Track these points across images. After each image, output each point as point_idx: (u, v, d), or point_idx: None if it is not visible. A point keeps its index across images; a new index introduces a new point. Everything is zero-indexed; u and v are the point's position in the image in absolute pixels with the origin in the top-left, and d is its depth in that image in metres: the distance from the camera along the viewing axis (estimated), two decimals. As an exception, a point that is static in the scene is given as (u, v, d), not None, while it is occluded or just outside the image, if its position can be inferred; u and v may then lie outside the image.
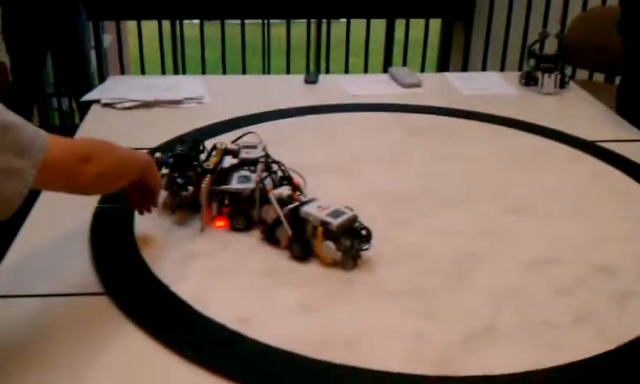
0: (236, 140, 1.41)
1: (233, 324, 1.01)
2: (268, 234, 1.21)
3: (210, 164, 1.27)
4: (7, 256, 1.19)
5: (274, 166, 1.33)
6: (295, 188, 1.28)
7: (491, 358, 0.96)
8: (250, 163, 1.32)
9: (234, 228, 1.26)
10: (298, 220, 1.17)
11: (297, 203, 1.19)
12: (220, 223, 1.27)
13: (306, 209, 1.17)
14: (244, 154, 1.33)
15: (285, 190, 1.22)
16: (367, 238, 1.15)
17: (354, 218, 1.16)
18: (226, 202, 1.26)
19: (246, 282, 1.12)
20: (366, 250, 1.16)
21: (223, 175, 1.29)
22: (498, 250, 1.24)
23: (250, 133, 1.46)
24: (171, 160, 1.31)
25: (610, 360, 0.97)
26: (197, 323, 1.02)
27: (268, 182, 1.27)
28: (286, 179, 1.30)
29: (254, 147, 1.37)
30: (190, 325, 1.02)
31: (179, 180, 1.28)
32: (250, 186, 1.25)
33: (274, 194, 1.20)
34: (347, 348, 0.97)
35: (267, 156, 1.34)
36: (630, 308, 1.08)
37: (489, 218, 1.35)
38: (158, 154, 1.33)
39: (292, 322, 1.03)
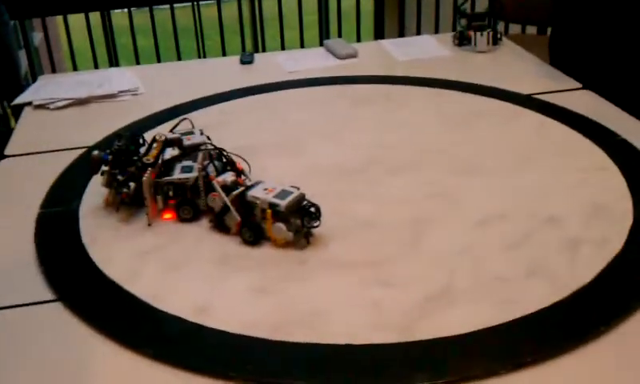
0: (172, 129, 1.39)
1: (190, 316, 1.00)
2: (217, 222, 1.20)
3: (150, 157, 1.25)
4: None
5: (216, 153, 1.31)
6: (239, 172, 1.27)
7: (449, 319, 0.97)
8: (192, 151, 1.30)
9: (182, 219, 1.24)
10: (245, 205, 1.16)
11: (242, 188, 1.18)
12: (167, 215, 1.26)
13: (252, 193, 1.16)
14: (186, 142, 1.31)
15: (229, 176, 1.21)
16: (317, 214, 1.15)
17: (302, 197, 1.16)
18: (171, 193, 1.25)
19: (199, 272, 1.11)
20: (317, 226, 1.16)
21: (167, 167, 1.27)
22: (448, 213, 1.25)
23: (183, 119, 1.44)
24: (110, 157, 1.28)
25: (563, 308, 0.99)
26: (154, 319, 1.01)
27: (211, 169, 1.25)
28: (229, 165, 1.29)
29: (192, 133, 1.35)
30: (148, 322, 1.00)
31: (120, 177, 1.26)
32: (193, 174, 1.23)
33: (218, 181, 1.19)
34: (306, 326, 0.97)
35: (208, 141, 1.32)
36: (580, 256, 1.10)
37: (436, 181, 1.37)
38: (95, 152, 1.30)
39: (249, 306, 1.02)
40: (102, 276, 1.10)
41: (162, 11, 3.98)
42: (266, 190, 1.16)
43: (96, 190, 1.33)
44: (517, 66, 2.02)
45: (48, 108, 1.85)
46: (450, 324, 0.96)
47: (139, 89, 1.94)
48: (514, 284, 1.05)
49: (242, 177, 1.27)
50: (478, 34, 2.09)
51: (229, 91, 1.88)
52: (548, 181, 1.35)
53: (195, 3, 3.99)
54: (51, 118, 1.81)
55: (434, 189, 1.34)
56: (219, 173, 1.24)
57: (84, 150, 1.55)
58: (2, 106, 3.56)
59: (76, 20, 3.86)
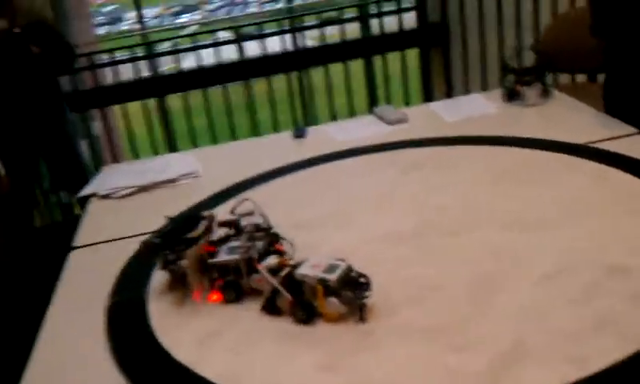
0: (232, 210, 1.42)
1: (260, 396, 1.01)
2: (268, 306, 1.20)
3: (195, 234, 1.28)
4: (30, 364, 1.19)
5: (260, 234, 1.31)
6: (280, 253, 1.26)
7: (522, 379, 0.96)
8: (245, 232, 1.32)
9: (227, 300, 1.25)
10: (294, 284, 1.16)
11: (289, 268, 1.18)
12: (214, 297, 1.27)
13: (300, 271, 1.16)
14: (243, 223, 1.34)
15: (272, 259, 1.21)
16: (367, 285, 1.15)
17: (349, 269, 1.16)
18: (216, 274, 1.27)
19: (264, 353, 1.12)
20: (368, 296, 1.15)
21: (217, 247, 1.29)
22: (510, 271, 1.24)
23: (244, 200, 1.47)
24: (159, 240, 1.31)
25: (634, 361, 0.96)
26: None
27: (253, 251, 1.25)
28: (270, 245, 1.28)
29: (252, 214, 1.38)
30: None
31: (170, 256, 1.29)
32: (234, 256, 1.24)
33: (263, 266, 1.20)
34: (377, 400, 0.97)
35: (261, 223, 1.34)
36: (649, 306, 1.07)
37: (494, 240, 1.36)
38: (145, 239, 1.33)
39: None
40: (172, 361, 1.12)
41: (214, 91, 4.12)
42: (313, 266, 1.16)
43: (161, 274, 1.37)
44: (569, 117, 2.00)
45: (112, 197, 1.92)
46: (523, 386, 0.94)
47: (198, 171, 2.00)
48: (584, 339, 1.03)
49: (287, 257, 1.26)
50: (527, 88, 2.09)
51: (283, 166, 1.92)
52: (609, 230, 1.33)
53: (246, 83, 4.11)
54: (116, 207, 1.88)
55: (493, 247, 1.33)
56: (262, 255, 1.24)
57: (149, 235, 1.60)
58: (68, 196, 3.72)
59: (132, 106, 4.03)
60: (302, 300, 1.16)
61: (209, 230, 1.31)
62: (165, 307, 1.29)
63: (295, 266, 1.18)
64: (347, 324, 1.14)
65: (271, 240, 1.30)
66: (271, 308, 1.19)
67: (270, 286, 1.18)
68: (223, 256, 1.26)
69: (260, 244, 1.28)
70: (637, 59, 1.94)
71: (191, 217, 1.37)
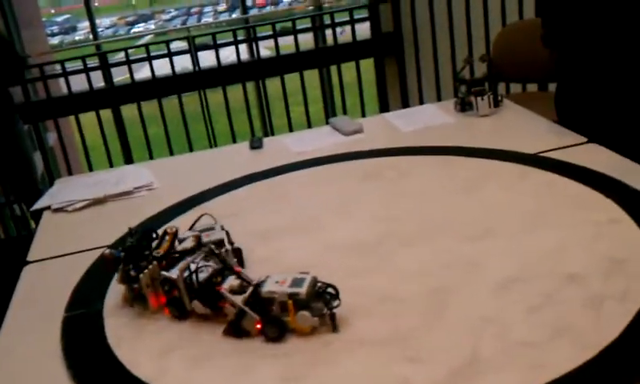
0: (192, 226, 1.42)
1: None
2: (232, 329, 1.17)
3: (161, 250, 1.27)
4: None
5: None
6: (238, 274, 1.23)
7: (478, 389, 0.97)
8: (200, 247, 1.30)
9: (173, 316, 1.24)
10: (260, 303, 1.15)
11: (251, 288, 1.16)
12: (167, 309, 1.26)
13: (266, 289, 1.15)
14: (204, 238, 1.33)
15: (233, 280, 1.20)
16: (335, 295, 1.15)
17: (315, 281, 1.16)
18: (166, 288, 1.25)
19: (224, 367, 1.12)
20: (338, 306, 1.15)
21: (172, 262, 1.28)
22: (466, 280, 1.26)
23: (203, 214, 1.46)
24: (122, 254, 1.30)
25: (592, 368, 0.99)
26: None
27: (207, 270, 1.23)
28: (227, 269, 1.25)
29: (212, 229, 1.37)
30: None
31: (132, 272, 1.28)
32: (173, 274, 1.22)
33: (225, 288, 1.18)
34: (337, 410, 0.97)
35: (222, 237, 1.34)
36: (604, 312, 1.10)
37: (451, 249, 1.38)
38: (107, 251, 1.32)
39: (278, 394, 1.03)
40: (130, 376, 1.11)
41: (170, 100, 4.09)
42: (278, 283, 1.15)
43: (117, 288, 1.35)
44: (521, 126, 2.05)
45: (66, 210, 1.89)
46: (479, 395, 0.96)
47: (154, 183, 1.98)
48: (541, 347, 1.05)
49: (243, 276, 1.22)
50: (479, 98, 2.13)
51: (240, 178, 1.92)
52: (563, 238, 1.36)
53: (201, 91, 4.09)
54: (70, 221, 1.85)
55: (450, 257, 1.35)
56: (217, 273, 1.22)
57: (104, 249, 1.58)
58: (22, 209, 3.65)
59: (87, 116, 3.97)
60: (270, 318, 1.14)
61: (172, 245, 1.30)
62: (122, 322, 1.27)
63: (259, 285, 1.16)
64: (311, 337, 1.14)
65: (225, 265, 1.25)
66: (236, 330, 1.17)
67: (234, 309, 1.16)
68: (171, 271, 1.24)
69: (213, 264, 1.25)
70: (587, 68, 2.00)
71: (153, 230, 1.36)
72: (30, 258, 1.64)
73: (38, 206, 1.96)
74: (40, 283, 1.53)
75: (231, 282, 1.20)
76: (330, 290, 1.15)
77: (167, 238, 1.31)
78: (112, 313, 1.31)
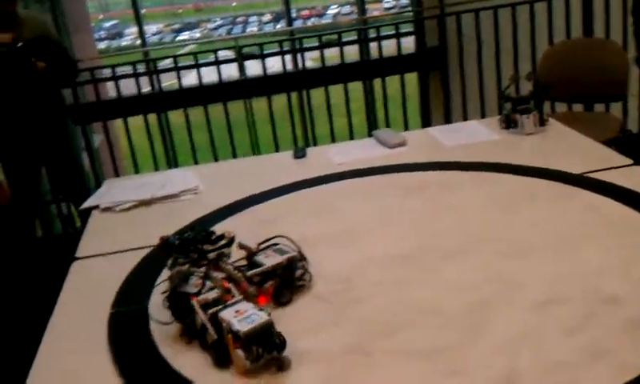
0: (262, 243, 1.41)
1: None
2: (188, 333, 1.19)
3: (210, 248, 1.32)
4: (32, 370, 1.21)
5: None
6: (226, 290, 1.22)
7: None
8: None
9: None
10: (218, 325, 1.13)
11: (218, 307, 1.15)
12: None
13: (223, 313, 1.13)
14: (261, 258, 1.36)
15: (211, 294, 1.20)
16: (281, 346, 1.11)
17: (268, 324, 1.10)
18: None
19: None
20: (277, 358, 1.10)
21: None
22: (506, 296, 1.27)
23: (279, 236, 1.42)
24: (177, 242, 1.35)
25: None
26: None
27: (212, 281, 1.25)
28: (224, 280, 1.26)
29: (280, 253, 1.37)
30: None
31: (181, 259, 1.32)
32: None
33: (199, 300, 1.18)
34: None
35: (295, 259, 1.36)
36: (642, 335, 1.10)
37: (491, 265, 1.39)
38: (164, 235, 1.37)
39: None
40: (174, 373, 1.15)
41: (215, 107, 4.15)
42: (237, 311, 1.13)
43: (163, 287, 1.38)
44: (566, 146, 2.04)
45: (114, 210, 1.95)
46: (516, 410, 0.97)
47: (199, 188, 2.03)
48: (579, 368, 1.05)
49: (230, 294, 1.22)
50: (524, 116, 2.12)
51: (283, 186, 1.95)
52: (604, 260, 1.36)
53: (246, 100, 4.14)
54: (117, 220, 1.90)
55: (490, 273, 1.36)
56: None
57: (149, 249, 1.62)
58: (69, 208, 3.75)
59: (134, 121, 4.06)
60: (222, 343, 1.12)
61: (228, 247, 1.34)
62: (167, 319, 1.30)
63: (225, 307, 1.15)
64: (352, 345, 1.17)
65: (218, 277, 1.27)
66: (191, 335, 1.19)
67: (200, 320, 1.16)
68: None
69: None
70: None
71: (212, 232, 1.39)
72: (78, 254, 1.70)
73: (86, 204, 2.02)
74: (88, 279, 1.58)
75: (209, 295, 1.19)
76: (278, 339, 1.11)
77: (223, 241, 1.34)
78: (157, 310, 1.34)
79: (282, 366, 1.10)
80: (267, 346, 1.09)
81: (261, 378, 1.10)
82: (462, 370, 1.08)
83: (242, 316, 1.11)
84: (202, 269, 1.28)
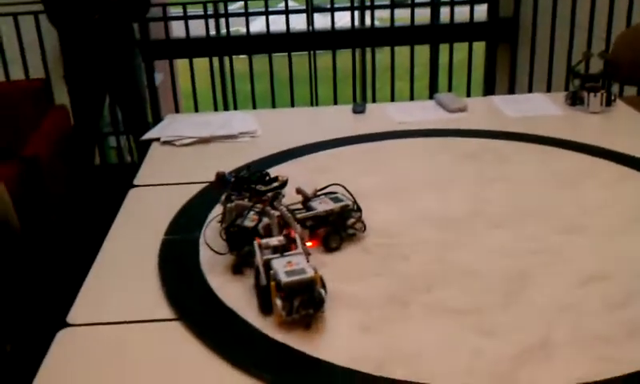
0: (321, 189, 1.44)
1: (299, 345, 1.07)
2: (256, 282, 1.19)
3: (263, 189, 1.35)
4: (83, 288, 1.27)
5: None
6: (291, 239, 1.23)
7: (546, 372, 0.99)
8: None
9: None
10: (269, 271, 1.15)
11: (275, 256, 1.17)
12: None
13: (274, 262, 1.15)
14: (316, 203, 1.39)
15: (274, 240, 1.21)
16: (319, 303, 1.11)
17: (311, 281, 1.11)
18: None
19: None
20: (313, 314, 1.11)
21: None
22: (550, 268, 1.27)
23: (335, 185, 1.45)
24: (233, 179, 1.39)
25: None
26: (267, 346, 1.08)
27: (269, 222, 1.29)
28: (285, 227, 1.29)
29: (339, 200, 1.40)
30: (260, 348, 1.08)
31: (234, 196, 1.36)
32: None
33: (261, 243, 1.20)
34: (406, 365, 1.02)
35: (348, 207, 1.39)
36: (684, 320, 1.09)
37: (539, 237, 1.39)
38: (220, 170, 1.41)
39: (356, 343, 1.09)
40: (219, 303, 1.19)
41: (278, 58, 4.16)
42: (289, 262, 1.14)
43: (214, 223, 1.43)
44: (629, 128, 2.00)
45: (174, 144, 2.00)
46: (547, 377, 0.98)
47: (257, 131, 2.06)
48: (615, 343, 1.05)
49: (294, 243, 1.23)
50: (592, 94, 2.08)
51: (340, 138, 1.97)
52: (655, 244, 1.34)
53: (312, 52, 4.14)
54: (176, 154, 1.96)
55: (536, 244, 1.36)
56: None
57: (205, 184, 1.67)
58: (128, 139, 3.84)
59: (196, 62, 4.10)
60: (268, 289, 1.13)
61: (280, 189, 1.38)
62: (214, 256, 1.35)
63: (282, 256, 1.17)
64: (390, 294, 1.20)
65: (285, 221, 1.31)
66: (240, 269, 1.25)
67: (256, 263, 1.18)
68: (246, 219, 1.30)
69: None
70: None
71: (267, 173, 1.42)
72: (136, 182, 1.76)
73: (148, 136, 2.08)
74: (143, 206, 1.63)
75: (271, 240, 1.21)
76: (319, 295, 1.11)
77: (276, 183, 1.38)
78: (210, 242, 1.38)
79: (309, 324, 1.12)
80: (305, 302, 1.11)
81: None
82: (494, 331, 1.09)
83: (291, 268, 1.13)
84: (260, 205, 1.32)
